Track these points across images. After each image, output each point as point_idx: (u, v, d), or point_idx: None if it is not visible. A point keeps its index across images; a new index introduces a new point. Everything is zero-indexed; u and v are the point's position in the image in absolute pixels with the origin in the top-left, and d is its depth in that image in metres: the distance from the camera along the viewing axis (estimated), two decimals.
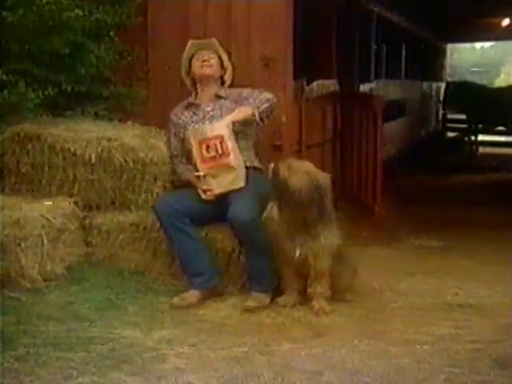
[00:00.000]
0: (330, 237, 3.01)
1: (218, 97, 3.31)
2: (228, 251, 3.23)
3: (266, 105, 3.17)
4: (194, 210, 3.11)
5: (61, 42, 3.65)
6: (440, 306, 3.17)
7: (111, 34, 3.92)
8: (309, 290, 3.05)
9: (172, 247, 3.20)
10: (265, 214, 3.10)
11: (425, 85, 11.62)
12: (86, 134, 3.49)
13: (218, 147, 3.07)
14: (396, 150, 8.49)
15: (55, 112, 3.84)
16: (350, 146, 5.67)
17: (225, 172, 3.08)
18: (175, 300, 3.03)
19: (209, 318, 2.95)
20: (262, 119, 3.17)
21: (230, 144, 3.07)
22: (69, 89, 3.82)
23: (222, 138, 3.06)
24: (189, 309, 2.99)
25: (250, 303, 3.04)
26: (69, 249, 3.31)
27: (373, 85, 7.47)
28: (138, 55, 4.05)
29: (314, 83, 5.11)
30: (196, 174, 3.13)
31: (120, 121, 3.91)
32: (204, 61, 3.28)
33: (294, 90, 4.19)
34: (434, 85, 12.61)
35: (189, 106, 3.33)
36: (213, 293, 3.13)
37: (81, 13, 3.57)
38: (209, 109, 3.30)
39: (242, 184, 3.09)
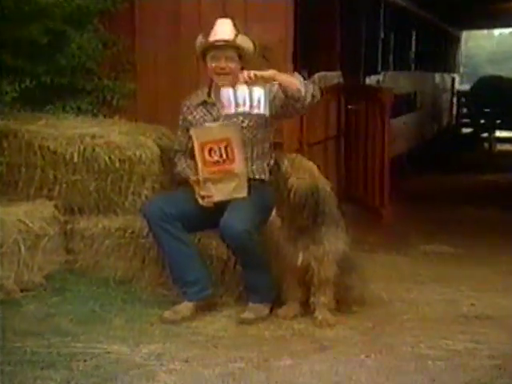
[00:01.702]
0: (335, 241, 3.02)
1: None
2: (223, 259, 3.25)
3: (312, 87, 3.01)
4: (187, 213, 3.11)
5: (39, 29, 3.67)
6: (455, 317, 3.19)
7: (95, 21, 3.97)
8: (311, 300, 3.06)
9: (162, 254, 3.21)
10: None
11: (437, 76, 11.66)
12: (67, 131, 3.50)
13: (223, 151, 3.06)
14: (405, 148, 8.52)
15: (33, 107, 3.86)
16: (356, 143, 5.69)
17: (227, 179, 3.08)
18: (167, 313, 3.04)
19: (202, 330, 2.96)
20: (307, 97, 2.98)
21: (237, 149, 3.06)
22: (48, 81, 3.85)
23: (228, 142, 3.05)
24: (181, 321, 3.01)
25: (247, 315, 3.05)
26: (48, 256, 3.32)
27: (380, 77, 7.50)
28: (125, 45, 4.09)
29: (316, 75, 5.12)
30: (194, 177, 3.13)
31: (105, 116, 3.94)
32: (221, 68, 3.11)
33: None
34: (448, 76, 12.65)
35: (203, 103, 3.23)
36: (207, 304, 3.14)
37: None
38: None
39: (244, 194, 3.09)
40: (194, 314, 3.07)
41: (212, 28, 3.14)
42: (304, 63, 4.83)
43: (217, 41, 3.10)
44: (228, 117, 3.09)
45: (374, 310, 3.22)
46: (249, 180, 3.13)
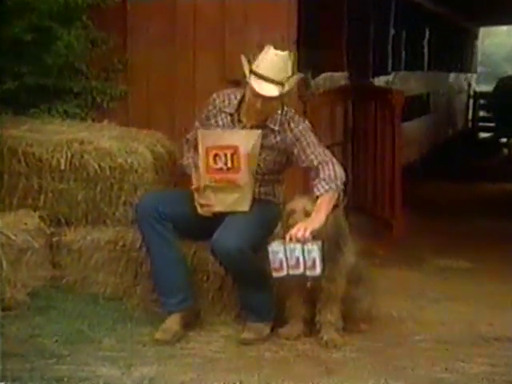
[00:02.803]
0: (346, 257, 3.05)
1: (267, 127, 3.14)
2: (220, 274, 3.27)
3: (329, 180, 2.99)
4: (181, 216, 3.14)
5: (23, 26, 3.71)
6: (472, 338, 3.20)
7: (83, 17, 3.99)
8: (317, 319, 3.08)
9: (147, 255, 3.23)
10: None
11: (452, 77, 11.70)
12: (53, 136, 3.53)
13: (228, 159, 3.08)
14: (418, 154, 8.56)
15: (17, 110, 3.89)
16: (364, 149, 5.72)
17: (229, 189, 3.10)
18: (158, 334, 3.06)
19: (198, 351, 2.97)
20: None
21: (244, 160, 3.07)
22: (33, 82, 3.88)
23: (235, 150, 3.07)
24: (174, 341, 3.02)
25: (247, 335, 3.07)
26: (33, 271, 3.34)
27: (390, 77, 7.54)
28: (116, 43, 4.11)
29: (321, 76, 5.17)
30: (193, 186, 3.15)
31: (94, 120, 3.98)
32: (256, 110, 3.08)
33: (297, 85, 4.25)
34: (463, 76, 12.70)
35: (230, 115, 3.19)
36: (194, 315, 3.17)
37: None
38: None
39: (245, 208, 3.11)
40: (184, 326, 3.09)
41: (261, 51, 3.07)
42: (307, 63, 4.86)
43: (260, 95, 3.02)
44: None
45: (384, 330, 3.24)
46: (254, 198, 3.15)
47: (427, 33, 10.18)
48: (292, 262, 2.84)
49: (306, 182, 3.49)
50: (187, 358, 2.91)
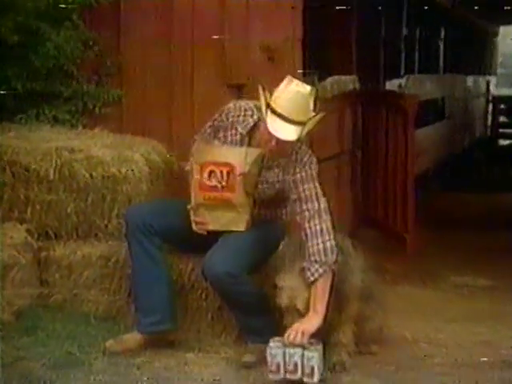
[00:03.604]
0: (356, 274, 3.07)
1: (276, 160, 3.10)
2: None
3: (320, 261, 2.90)
4: (173, 230, 3.16)
5: (8, 26, 3.72)
6: (492, 362, 3.20)
7: (74, 17, 4.01)
8: (327, 340, 3.07)
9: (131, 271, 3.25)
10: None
11: (469, 80, 11.74)
12: (41, 144, 3.55)
13: (224, 177, 3.08)
14: (432, 163, 8.59)
15: (2, 116, 3.89)
16: (374, 158, 5.76)
17: (224, 208, 3.12)
18: (109, 343, 3.10)
19: (197, 375, 2.97)
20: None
21: (239, 179, 3.07)
22: (20, 86, 3.91)
23: (231, 169, 3.07)
24: (171, 364, 3.03)
25: (248, 357, 3.08)
26: (19, 289, 3.34)
27: (403, 81, 7.59)
28: (109, 44, 4.14)
29: (329, 80, 5.21)
30: (189, 205, 3.14)
31: (85, 127, 3.99)
32: (272, 148, 3.00)
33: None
34: (482, 79, 12.74)
35: (241, 135, 3.14)
36: (162, 338, 3.18)
37: None
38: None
39: (242, 228, 3.11)
40: (141, 348, 3.11)
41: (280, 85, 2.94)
42: (314, 66, 4.90)
43: (280, 140, 2.93)
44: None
45: (396, 352, 3.25)
46: (253, 219, 3.14)
47: (443, 32, 10.23)
48: (290, 368, 2.86)
49: None
50: (185, 382, 2.91)
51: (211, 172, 3.09)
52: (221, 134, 3.18)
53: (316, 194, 3.03)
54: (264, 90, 2.96)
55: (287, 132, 2.92)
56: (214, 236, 3.10)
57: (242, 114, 3.14)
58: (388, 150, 5.55)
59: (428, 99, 8.35)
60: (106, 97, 4.15)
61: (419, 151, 6.42)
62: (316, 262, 2.91)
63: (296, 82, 2.96)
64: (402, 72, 7.80)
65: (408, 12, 7.98)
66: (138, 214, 3.17)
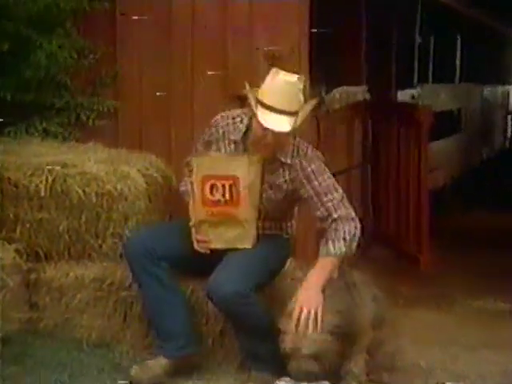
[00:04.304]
0: (368, 304, 3.09)
1: (278, 160, 3.14)
2: (222, 317, 3.27)
3: (348, 242, 3.00)
4: (177, 253, 3.18)
5: None
6: None
7: (67, 24, 4.05)
8: (337, 369, 3.06)
9: (142, 300, 3.28)
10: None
11: (487, 89, 11.76)
12: (32, 159, 3.58)
13: (227, 191, 3.10)
14: (448, 178, 8.60)
15: None
16: (386, 173, 5.78)
17: (228, 224, 3.14)
18: (134, 370, 3.11)
19: None
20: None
21: (244, 192, 3.09)
22: (9, 97, 3.93)
23: (234, 181, 3.09)
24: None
25: None
26: (6, 314, 3.32)
27: (416, 91, 7.62)
28: (104, 53, 4.16)
29: (337, 90, 5.24)
30: (190, 223, 3.18)
31: (78, 140, 4.02)
32: (267, 144, 3.05)
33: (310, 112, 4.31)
34: (501, 89, 12.76)
35: (234, 143, 3.20)
36: (187, 364, 3.20)
37: None
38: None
39: (248, 245, 3.14)
40: (167, 373, 3.12)
41: (268, 75, 3.04)
42: (321, 76, 4.93)
43: (275, 134, 2.99)
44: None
45: (409, 381, 3.25)
46: (258, 234, 3.18)
47: (459, 40, 10.26)
48: None
49: None
50: None
51: (213, 186, 3.11)
52: (214, 148, 3.23)
53: (333, 184, 3.11)
54: (250, 86, 3.04)
55: (280, 123, 2.97)
56: (218, 255, 3.11)
57: (231, 122, 3.21)
58: (400, 164, 5.57)
59: (443, 110, 8.38)
60: (100, 108, 4.18)
61: (434, 166, 6.44)
62: (344, 240, 3.00)
63: (282, 72, 3.03)
64: (415, 81, 7.83)
65: (422, 18, 8.01)
66: (139, 241, 3.18)
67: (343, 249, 2.99)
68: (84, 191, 3.46)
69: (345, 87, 5.40)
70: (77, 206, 3.47)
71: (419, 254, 5.32)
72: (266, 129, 2.99)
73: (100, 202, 3.47)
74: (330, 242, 3.00)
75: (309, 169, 3.10)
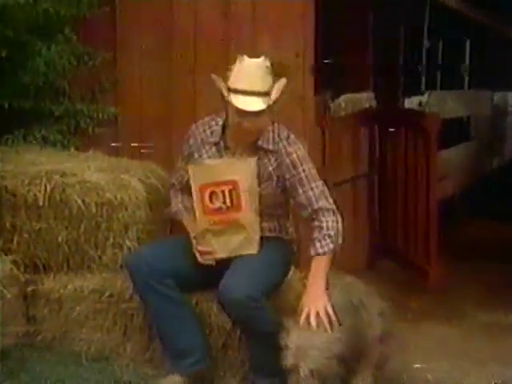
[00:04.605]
0: (375, 319, 3.10)
1: (260, 148, 3.21)
2: (225, 329, 3.32)
3: (334, 238, 3.08)
4: (180, 269, 3.20)
5: None
6: None
7: (66, 29, 4.08)
8: None
9: (150, 319, 3.30)
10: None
11: (497, 96, 11.77)
12: (30, 167, 3.60)
13: (227, 197, 3.14)
14: (457, 188, 8.59)
15: None
16: (393, 182, 5.78)
17: (232, 231, 3.17)
18: None
19: None
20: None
21: (244, 195, 3.13)
22: (6, 104, 3.96)
23: (233, 186, 3.13)
24: None
25: None
26: (3, 327, 3.33)
27: (424, 98, 7.62)
28: (104, 59, 4.20)
29: (342, 98, 5.26)
30: (192, 234, 3.21)
31: (78, 149, 4.06)
32: (245, 129, 3.13)
33: (315, 108, 4.35)
34: (511, 96, 12.77)
35: (215, 145, 3.27)
36: (200, 377, 3.21)
37: (23, 0, 3.73)
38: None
39: (254, 250, 3.18)
40: None
41: (236, 65, 3.12)
42: (327, 82, 4.96)
43: (246, 112, 3.07)
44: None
45: None
46: (261, 237, 3.22)
47: (468, 45, 10.27)
48: None
49: None
50: None
51: (212, 193, 3.15)
52: (196, 156, 3.29)
53: (316, 174, 3.19)
54: (218, 77, 3.14)
55: (255, 103, 3.06)
56: (223, 265, 3.14)
57: (207, 127, 3.30)
58: (408, 173, 5.57)
59: (452, 118, 8.37)
60: (100, 116, 4.22)
61: (442, 175, 6.43)
62: (329, 236, 3.07)
63: (246, 56, 3.12)
64: (423, 88, 7.84)
65: (429, 23, 8.02)
66: (142, 261, 3.19)
67: (331, 246, 3.07)
68: (83, 200, 3.48)
69: (350, 94, 5.42)
70: (76, 216, 3.49)
71: (428, 267, 5.31)
72: (242, 114, 3.07)
73: (100, 212, 3.49)
74: (317, 243, 3.07)
75: (294, 155, 3.17)
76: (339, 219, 3.14)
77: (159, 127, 4.22)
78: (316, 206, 3.11)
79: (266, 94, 3.09)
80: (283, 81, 3.18)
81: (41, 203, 3.49)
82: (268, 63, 3.13)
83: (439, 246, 5.34)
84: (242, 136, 3.18)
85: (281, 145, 3.19)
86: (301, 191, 3.14)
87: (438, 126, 5.38)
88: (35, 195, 3.49)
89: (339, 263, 4.81)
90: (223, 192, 3.14)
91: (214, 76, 3.15)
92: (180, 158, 3.40)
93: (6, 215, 3.53)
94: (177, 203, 3.38)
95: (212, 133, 3.28)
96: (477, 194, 9.32)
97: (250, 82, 3.08)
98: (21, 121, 4.06)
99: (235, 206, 3.14)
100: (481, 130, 10.44)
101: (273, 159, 3.19)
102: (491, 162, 11.28)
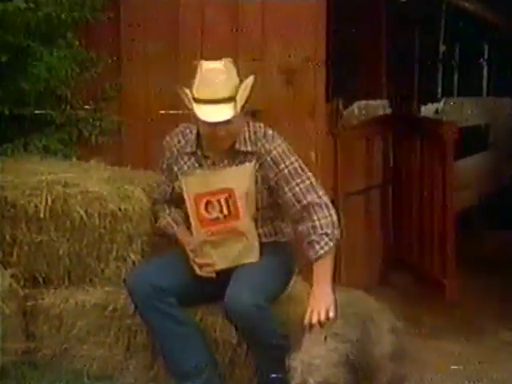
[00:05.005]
0: (386, 335, 3.10)
1: (239, 152, 3.20)
2: (232, 343, 3.32)
3: (331, 235, 3.03)
4: (182, 286, 3.21)
5: None
6: None
7: (68, 34, 4.09)
8: None
9: (153, 339, 3.30)
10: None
11: None
12: (30, 178, 3.60)
13: (223, 205, 3.15)
14: (475, 199, 8.58)
15: None
16: (408, 193, 5.79)
17: (231, 240, 3.18)
18: None
19: None
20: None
21: (241, 202, 3.15)
22: (6, 111, 3.97)
23: (229, 193, 3.15)
24: None
25: None
26: (1, 344, 3.33)
27: (440, 105, 7.63)
28: (107, 65, 4.22)
29: (355, 105, 5.27)
30: (189, 247, 3.22)
31: (80, 158, 4.05)
32: (217, 137, 3.13)
33: (326, 116, 4.35)
34: None
35: (192, 154, 3.28)
36: None
37: (24, 4, 3.74)
38: (223, 164, 3.21)
39: (254, 258, 3.19)
40: None
41: (202, 72, 3.09)
42: (339, 89, 4.97)
43: (208, 123, 3.07)
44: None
45: None
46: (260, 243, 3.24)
47: (486, 50, 10.26)
48: None
49: None
50: None
51: (208, 203, 3.17)
52: (175, 169, 3.30)
53: (300, 167, 3.14)
54: (183, 88, 3.12)
55: (217, 112, 3.04)
56: (224, 276, 3.14)
57: (181, 137, 3.32)
58: (423, 184, 5.58)
59: (469, 126, 8.37)
60: (103, 124, 4.24)
61: (459, 185, 6.43)
62: (326, 235, 3.02)
63: (206, 62, 3.11)
64: (440, 95, 7.84)
65: (445, 27, 8.03)
66: (143, 279, 3.20)
67: (330, 244, 3.03)
68: (86, 212, 3.48)
69: (364, 101, 5.43)
70: (78, 228, 3.49)
71: (444, 280, 5.31)
72: (210, 125, 3.07)
73: (103, 223, 3.49)
74: (315, 245, 3.03)
75: (274, 151, 3.15)
76: (332, 212, 3.08)
77: (164, 136, 4.20)
78: (305, 202, 3.07)
79: (231, 98, 3.06)
80: (250, 79, 3.15)
81: (42, 215, 3.49)
82: (230, 64, 3.12)
83: (456, 259, 5.34)
84: (217, 143, 3.17)
85: (259, 144, 3.17)
86: (286, 189, 3.11)
87: (455, 135, 5.39)
88: (36, 206, 3.49)
89: (351, 277, 4.83)
90: (219, 201, 3.16)
91: (179, 89, 3.14)
92: (159, 171, 3.44)
93: (6, 227, 3.52)
94: (165, 216, 3.40)
95: (187, 142, 3.29)
96: (495, 204, 9.30)
97: (212, 90, 3.05)
98: (21, 129, 4.08)
99: (233, 214, 3.16)
100: (500, 138, 10.42)
101: (254, 161, 3.17)
102: (510, 172, 11.27)
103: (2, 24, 3.83)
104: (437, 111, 7.40)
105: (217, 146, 3.19)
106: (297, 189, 3.10)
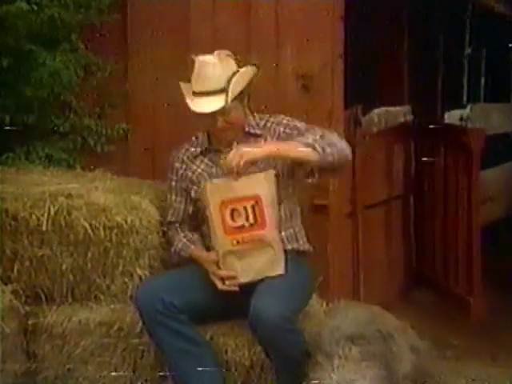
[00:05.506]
0: (406, 355, 3.10)
1: (249, 134, 3.37)
2: (245, 365, 3.32)
3: (331, 149, 3.16)
4: (195, 303, 3.22)
5: None
6: None
7: (73, 38, 4.13)
8: None
9: (161, 357, 3.31)
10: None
11: None
12: (33, 188, 3.62)
13: (250, 213, 3.15)
14: (503, 212, 8.54)
15: None
16: (431, 205, 5.77)
17: (258, 250, 3.18)
18: None
19: None
20: (324, 165, 3.21)
21: (267, 209, 3.15)
22: (7, 119, 4.01)
23: (256, 200, 3.15)
24: None
25: None
26: (1, 364, 3.33)
27: (466, 111, 7.60)
28: (114, 70, 4.25)
29: (375, 111, 5.27)
30: (213, 257, 3.23)
31: (85, 168, 4.08)
32: (220, 129, 3.30)
33: (344, 123, 4.36)
34: None
35: (203, 152, 3.42)
36: None
37: (27, 6, 3.77)
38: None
39: (280, 271, 3.19)
40: None
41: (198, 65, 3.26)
42: (358, 95, 4.97)
43: (205, 113, 3.24)
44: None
45: None
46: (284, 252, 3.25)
47: None
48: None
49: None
50: None
51: (233, 210, 3.17)
52: (189, 173, 3.42)
53: (308, 126, 3.33)
54: (184, 83, 3.31)
55: (208, 104, 3.20)
56: (245, 292, 3.14)
57: (189, 145, 3.48)
58: (447, 195, 5.56)
59: (496, 134, 8.34)
60: (109, 132, 4.26)
61: (486, 197, 6.41)
62: (332, 145, 3.16)
63: (199, 56, 3.27)
64: (465, 101, 7.82)
65: (471, 28, 8.01)
66: (153, 294, 3.20)
67: (328, 149, 3.15)
68: (91, 224, 3.50)
69: (385, 108, 5.43)
70: (82, 241, 3.50)
71: (470, 297, 5.29)
72: (206, 117, 3.22)
73: (108, 237, 3.50)
74: (310, 138, 3.18)
75: (284, 120, 3.36)
76: (345, 143, 3.25)
77: (173, 145, 4.22)
78: (318, 136, 3.19)
79: (222, 90, 3.20)
80: (247, 69, 3.30)
81: (44, 227, 3.51)
82: (225, 56, 3.28)
83: (482, 275, 5.32)
84: (221, 135, 3.33)
85: (268, 124, 3.36)
86: (299, 139, 3.21)
87: (482, 143, 5.37)
88: (38, 219, 3.51)
89: (370, 294, 4.82)
90: (245, 208, 3.16)
91: (181, 84, 3.34)
92: (169, 191, 3.50)
93: (7, 241, 3.54)
94: (180, 239, 3.44)
95: (196, 146, 3.45)
96: None
97: (203, 82, 3.23)
98: (23, 137, 4.10)
99: (259, 222, 3.16)
100: None
101: (263, 141, 3.31)
102: None
103: (4, 27, 3.86)
104: (462, 118, 7.38)
105: (225, 136, 3.31)
106: (310, 139, 3.18)
